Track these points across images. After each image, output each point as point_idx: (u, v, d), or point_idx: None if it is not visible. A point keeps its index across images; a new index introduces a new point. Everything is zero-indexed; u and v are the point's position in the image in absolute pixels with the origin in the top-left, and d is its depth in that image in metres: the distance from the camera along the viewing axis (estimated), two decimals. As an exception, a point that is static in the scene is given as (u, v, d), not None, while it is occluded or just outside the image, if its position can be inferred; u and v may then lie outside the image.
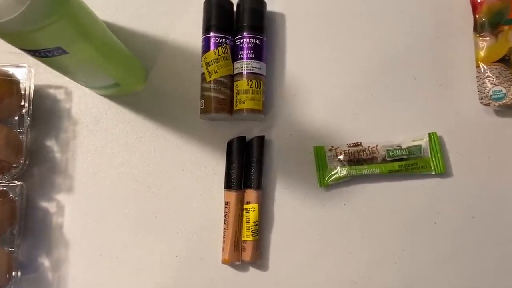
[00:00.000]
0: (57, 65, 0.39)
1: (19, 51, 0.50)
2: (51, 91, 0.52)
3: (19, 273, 0.47)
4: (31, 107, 0.48)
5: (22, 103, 0.47)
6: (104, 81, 0.45)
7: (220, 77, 0.48)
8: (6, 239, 0.46)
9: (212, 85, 0.48)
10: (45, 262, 0.49)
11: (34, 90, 0.49)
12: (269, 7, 0.52)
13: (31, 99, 0.48)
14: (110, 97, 0.52)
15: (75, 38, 0.34)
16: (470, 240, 0.49)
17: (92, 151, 0.51)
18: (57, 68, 0.40)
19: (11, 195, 0.46)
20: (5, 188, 0.46)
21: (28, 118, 0.47)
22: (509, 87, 0.48)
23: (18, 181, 0.47)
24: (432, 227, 0.49)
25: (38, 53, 0.34)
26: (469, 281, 0.48)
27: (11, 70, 0.47)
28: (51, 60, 0.36)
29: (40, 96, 0.51)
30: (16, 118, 0.48)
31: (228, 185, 0.49)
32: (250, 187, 0.48)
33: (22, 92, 0.47)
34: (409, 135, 0.50)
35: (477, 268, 0.48)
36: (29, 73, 0.48)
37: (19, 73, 0.47)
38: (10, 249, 0.46)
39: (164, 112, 0.51)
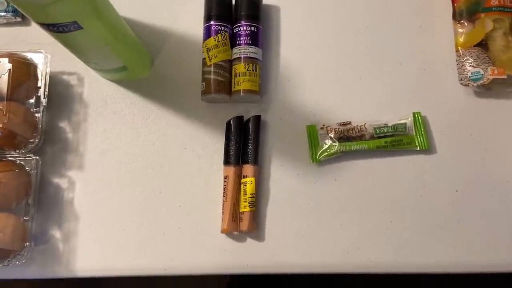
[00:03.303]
0: (72, 42, 0.43)
1: (36, 40, 0.55)
2: (65, 77, 0.56)
3: (32, 243, 0.51)
4: (47, 89, 0.52)
5: (39, 85, 0.52)
6: (114, 63, 0.50)
7: (220, 61, 0.52)
8: (21, 209, 0.50)
9: (212, 68, 0.52)
10: (56, 234, 0.53)
11: (49, 77, 0.54)
12: (265, 1, 0.56)
13: (47, 82, 0.52)
14: (119, 82, 0.56)
15: (89, 14, 0.39)
16: (454, 212, 0.52)
17: (101, 131, 0.55)
18: (71, 46, 0.44)
19: (27, 168, 0.50)
20: (21, 162, 0.50)
21: (44, 99, 0.52)
22: (486, 69, 0.51)
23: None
24: (418, 200, 0.52)
25: (56, 28, 0.39)
26: (453, 251, 0.51)
27: (29, 55, 0.52)
28: (67, 36, 0.40)
29: (55, 81, 0.56)
30: (33, 100, 0.52)
31: (227, 161, 0.53)
32: (247, 162, 0.52)
33: (39, 76, 0.52)
34: (395, 115, 0.54)
35: (461, 239, 0.51)
36: (45, 58, 0.52)
37: (37, 58, 0.52)
38: (25, 218, 0.50)
39: (168, 96, 0.56)
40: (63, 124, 0.55)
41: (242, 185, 0.52)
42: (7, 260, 0.48)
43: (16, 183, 0.49)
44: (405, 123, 0.53)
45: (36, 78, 0.52)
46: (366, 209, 0.52)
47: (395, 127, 0.52)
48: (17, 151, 0.51)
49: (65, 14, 0.37)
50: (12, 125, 0.48)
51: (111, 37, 0.44)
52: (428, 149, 0.52)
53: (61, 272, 0.52)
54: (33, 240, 0.51)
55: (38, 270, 0.52)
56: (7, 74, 0.48)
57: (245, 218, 0.51)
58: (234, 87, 0.53)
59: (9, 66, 0.49)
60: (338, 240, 0.52)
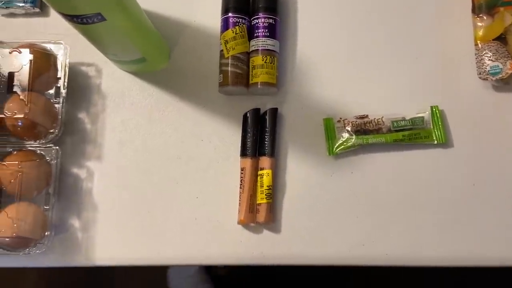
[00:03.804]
0: (94, 34, 0.43)
1: (55, 31, 0.55)
2: (83, 68, 0.57)
3: (52, 232, 0.51)
4: (66, 80, 0.52)
5: (58, 76, 0.52)
6: (133, 54, 0.50)
7: (237, 53, 0.52)
8: (42, 198, 0.51)
9: (230, 60, 0.52)
10: (75, 223, 0.53)
11: (68, 68, 0.54)
12: (283, -8, 0.56)
13: (67, 73, 0.52)
14: (136, 74, 0.56)
15: (113, 6, 0.39)
16: (471, 206, 0.52)
17: (119, 122, 0.56)
18: (93, 37, 0.45)
19: (47, 158, 0.51)
20: (42, 152, 0.51)
21: (64, 90, 0.52)
22: (505, 63, 0.51)
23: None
24: (434, 194, 0.52)
25: (80, 19, 0.39)
26: (469, 245, 0.51)
27: (49, 46, 0.52)
28: (90, 28, 0.41)
29: (74, 73, 0.56)
30: (53, 90, 0.53)
31: (243, 153, 0.53)
32: (264, 155, 0.52)
33: (59, 66, 0.52)
34: (412, 108, 0.54)
35: (477, 233, 0.51)
36: (65, 49, 0.52)
37: (56, 49, 0.52)
38: (45, 207, 0.50)
39: (185, 88, 0.56)
40: (82, 115, 0.56)
41: (259, 177, 0.52)
42: (27, 249, 0.49)
43: (36, 172, 0.49)
44: (422, 117, 0.53)
45: (56, 69, 0.52)
46: (382, 202, 0.53)
47: (412, 120, 0.52)
48: (38, 141, 0.51)
49: (90, 5, 0.37)
50: (33, 115, 0.49)
51: (132, 29, 0.44)
52: (445, 143, 0.52)
53: (80, 261, 0.53)
54: (53, 229, 0.52)
55: (57, 258, 0.53)
56: (28, 64, 0.49)
57: (262, 209, 0.51)
58: (252, 80, 0.53)
59: (30, 56, 0.49)
60: (353, 232, 0.52)
